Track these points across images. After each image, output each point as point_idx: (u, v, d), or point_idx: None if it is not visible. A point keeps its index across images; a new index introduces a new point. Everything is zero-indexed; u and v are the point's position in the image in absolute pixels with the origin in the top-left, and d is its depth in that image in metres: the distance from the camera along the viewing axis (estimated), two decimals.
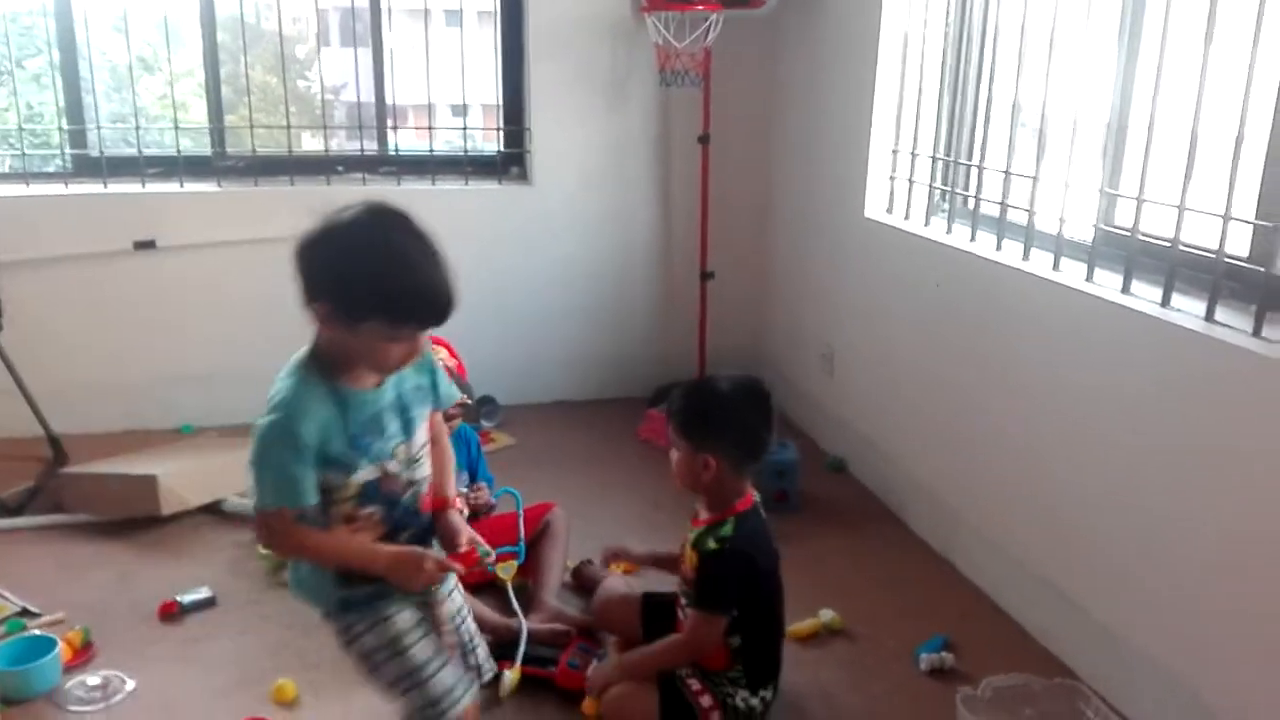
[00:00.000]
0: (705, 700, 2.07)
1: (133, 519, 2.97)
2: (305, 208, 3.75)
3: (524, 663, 2.24)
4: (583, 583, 2.64)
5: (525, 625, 2.29)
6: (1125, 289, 2.24)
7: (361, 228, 1.52)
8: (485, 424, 3.78)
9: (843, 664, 2.39)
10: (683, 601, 2.15)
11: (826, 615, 2.52)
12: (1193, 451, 2.02)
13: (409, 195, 3.75)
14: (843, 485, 3.38)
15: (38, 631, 2.39)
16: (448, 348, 2.57)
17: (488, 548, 1.84)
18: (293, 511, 1.57)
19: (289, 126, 3.69)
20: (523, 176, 3.96)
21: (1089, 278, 2.35)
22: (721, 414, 2.04)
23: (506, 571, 2.35)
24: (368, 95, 3.90)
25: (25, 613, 2.52)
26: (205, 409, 3.73)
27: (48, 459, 3.40)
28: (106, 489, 3.02)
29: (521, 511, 2.60)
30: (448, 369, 2.46)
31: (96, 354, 3.64)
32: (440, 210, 3.73)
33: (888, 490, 3.24)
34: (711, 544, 2.04)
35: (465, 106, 3.83)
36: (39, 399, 3.41)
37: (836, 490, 3.34)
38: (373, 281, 1.50)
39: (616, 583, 2.45)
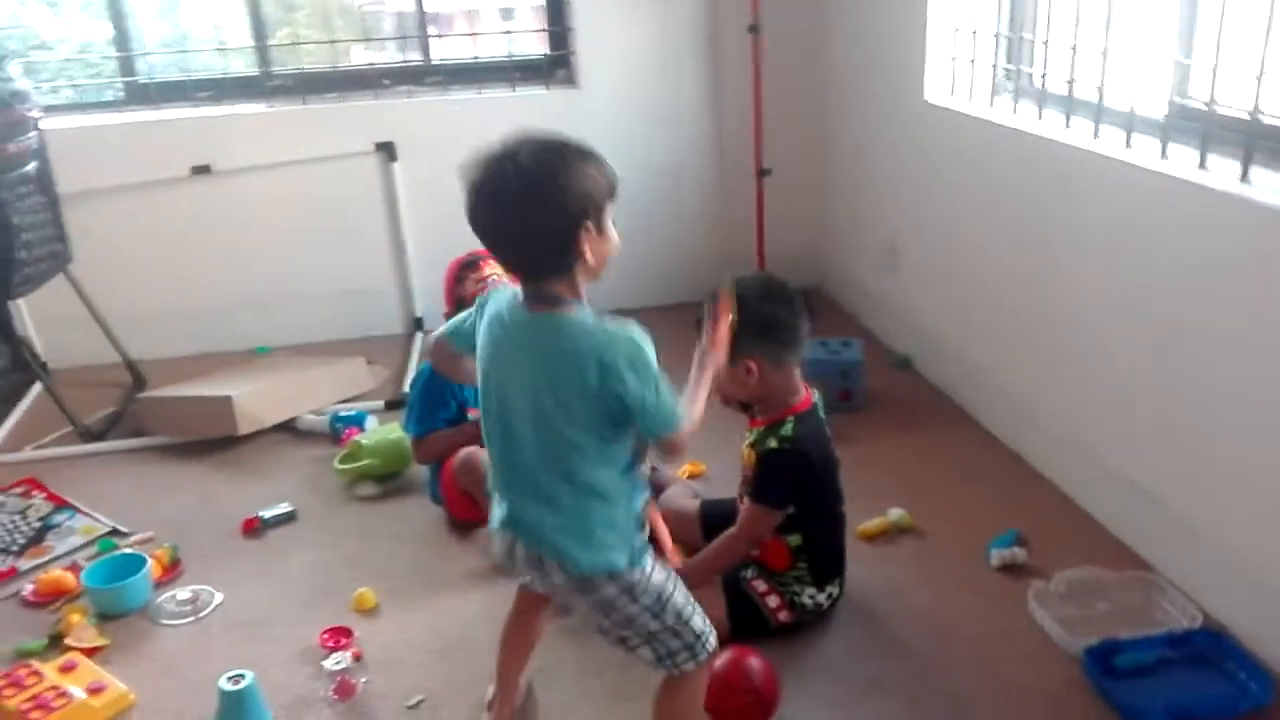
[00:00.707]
0: (773, 600, 2.09)
1: (211, 439, 3.06)
2: (354, 123, 3.75)
3: None
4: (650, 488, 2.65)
5: None
6: (1201, 165, 2.13)
7: (550, 147, 1.50)
8: None
9: (912, 562, 2.38)
10: (744, 501, 2.15)
11: (895, 513, 2.51)
12: (1277, 334, 1.93)
13: (456, 105, 3.73)
14: (909, 382, 3.33)
15: (128, 550, 2.49)
16: None
17: None
18: None
19: (333, 41, 3.65)
20: (570, 80, 3.87)
21: (1163, 155, 2.24)
22: (745, 315, 1.99)
23: None
24: (411, 5, 3.83)
25: (115, 532, 2.63)
26: (276, 329, 3.81)
27: (127, 384, 3.51)
28: (184, 411, 3.10)
29: None
30: (487, 279, 2.46)
31: (166, 280, 3.71)
32: (488, 119, 3.66)
33: (956, 386, 3.18)
34: (772, 443, 2.05)
35: (510, 10, 3.75)
36: (114, 326, 3.51)
37: (903, 387, 3.29)
38: (596, 173, 1.51)
39: (677, 493, 2.45)
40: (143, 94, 3.66)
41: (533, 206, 1.45)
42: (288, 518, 2.66)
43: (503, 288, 1.63)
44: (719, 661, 1.89)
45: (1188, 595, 2.16)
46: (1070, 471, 2.62)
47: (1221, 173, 2.09)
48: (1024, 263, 2.73)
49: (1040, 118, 2.70)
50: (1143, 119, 2.34)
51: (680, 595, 1.63)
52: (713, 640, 1.67)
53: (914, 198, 3.34)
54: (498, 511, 1.64)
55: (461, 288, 2.50)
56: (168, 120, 3.60)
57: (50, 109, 3.56)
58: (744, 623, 2.07)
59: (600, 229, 1.50)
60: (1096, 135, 2.46)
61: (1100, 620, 2.10)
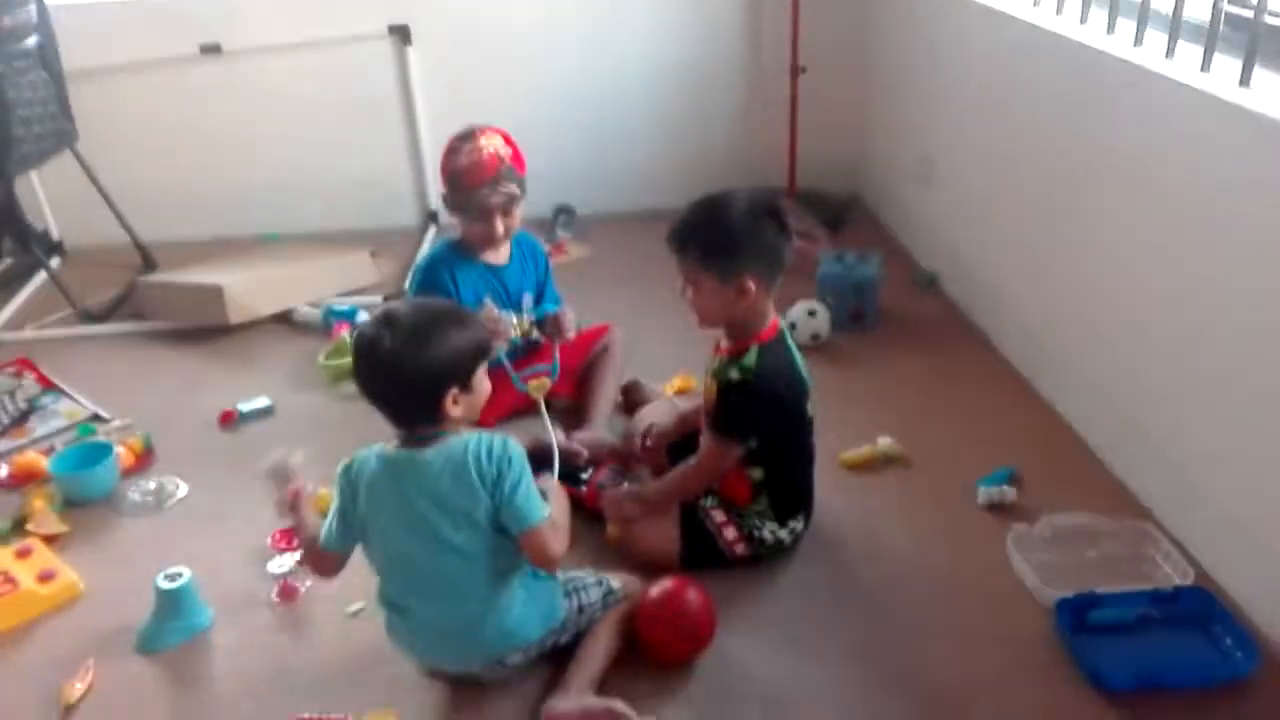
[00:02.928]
0: (730, 533, 1.99)
1: (206, 327, 3.02)
2: (368, 5, 3.60)
3: (559, 478, 2.19)
4: (632, 402, 2.55)
5: (555, 443, 2.21)
6: (1243, 81, 1.88)
7: (425, 315, 1.70)
8: (562, 234, 3.67)
9: (894, 495, 2.25)
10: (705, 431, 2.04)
11: (884, 442, 2.37)
12: None
13: None
14: (932, 303, 3.14)
15: (102, 438, 2.48)
16: (503, 135, 2.40)
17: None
18: None
19: None
20: None
21: (1204, 68, 1.99)
22: (747, 233, 1.86)
23: (539, 390, 2.28)
24: None
25: (96, 418, 2.62)
26: (287, 217, 3.75)
27: (138, 266, 3.49)
28: (178, 298, 3.08)
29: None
30: (499, 156, 2.33)
31: (177, 162, 3.66)
32: (513, 9, 3.59)
33: (978, 309, 2.99)
34: (734, 374, 1.90)
35: None
36: (125, 208, 3.49)
37: (924, 308, 3.10)
38: (465, 341, 1.70)
39: (656, 410, 2.34)
40: None
41: (405, 373, 1.61)
42: (265, 412, 2.63)
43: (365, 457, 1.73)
44: (656, 590, 1.81)
45: (1185, 549, 2.00)
46: (1079, 407, 2.44)
47: (1265, 92, 1.85)
48: (1054, 185, 2.51)
49: (1084, 20, 2.45)
50: (1191, 24, 2.09)
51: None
52: (616, 584, 1.83)
53: (954, 107, 3.09)
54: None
55: (454, 159, 2.35)
56: None
57: None
58: (699, 553, 1.98)
59: (468, 388, 1.66)
60: (1139, 42, 2.21)
61: (1084, 570, 1.97)
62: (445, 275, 2.44)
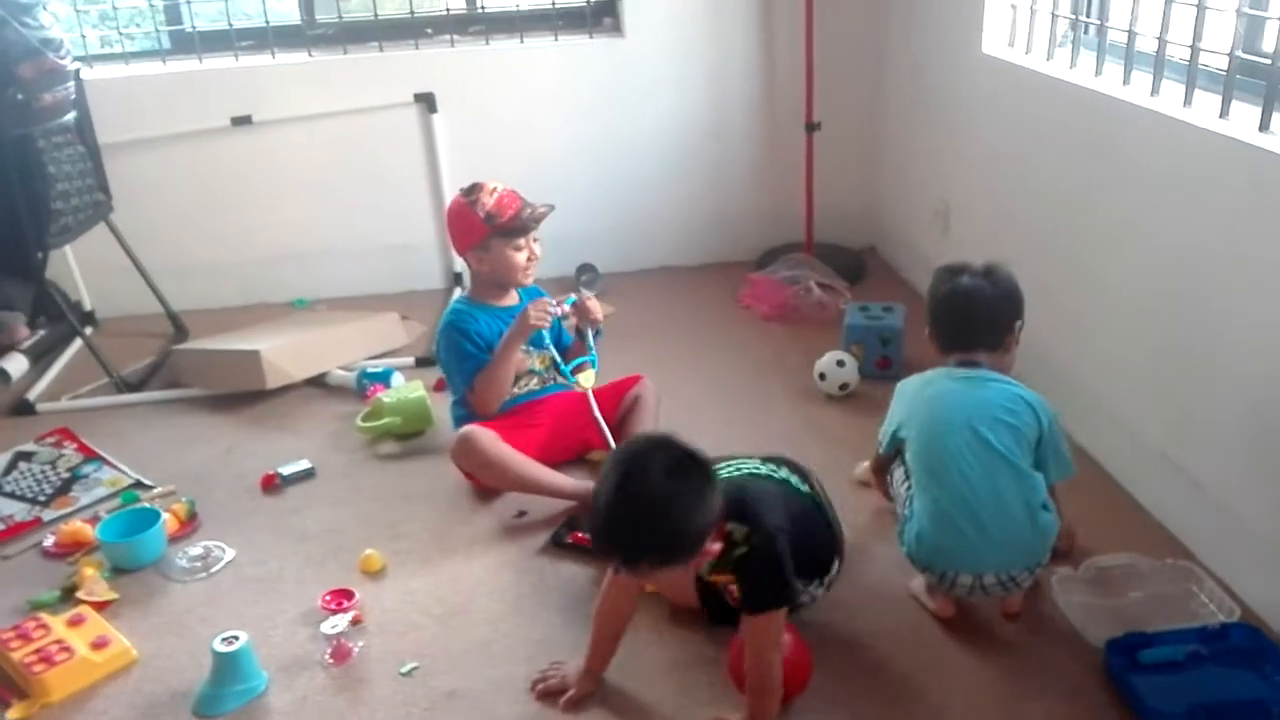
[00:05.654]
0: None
1: (241, 393, 3.06)
2: (395, 73, 3.69)
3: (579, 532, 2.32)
4: None
5: (608, 431, 2.45)
6: (1264, 126, 1.94)
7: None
8: (585, 292, 3.70)
9: None
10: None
11: None
12: None
13: (497, 55, 3.65)
14: None
15: (146, 504, 2.51)
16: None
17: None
18: None
19: None
20: (615, 28, 3.75)
21: (1223, 114, 2.05)
22: (690, 512, 1.62)
23: (588, 381, 2.50)
24: None
25: (139, 485, 2.65)
26: (317, 282, 3.80)
27: (170, 335, 3.55)
28: (215, 364, 3.11)
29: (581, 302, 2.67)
30: (511, 190, 2.58)
31: (207, 232, 3.71)
32: (530, 70, 3.70)
33: None
34: (735, 553, 1.73)
35: None
36: (156, 277, 3.55)
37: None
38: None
39: None
40: (187, 42, 3.64)
41: (992, 310, 2.15)
42: (306, 475, 2.65)
43: None
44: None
45: (1229, 588, 2.02)
46: (1113, 451, 2.47)
47: None
48: (1076, 230, 2.56)
49: (1099, 71, 2.52)
50: (1208, 72, 2.16)
51: None
52: None
53: (968, 158, 3.16)
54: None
55: (480, 207, 2.53)
56: (209, 70, 3.59)
57: (95, 58, 3.58)
58: (721, 614, 1.93)
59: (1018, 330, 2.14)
60: (1155, 91, 2.28)
61: (1130, 611, 1.98)
62: (471, 322, 2.57)
